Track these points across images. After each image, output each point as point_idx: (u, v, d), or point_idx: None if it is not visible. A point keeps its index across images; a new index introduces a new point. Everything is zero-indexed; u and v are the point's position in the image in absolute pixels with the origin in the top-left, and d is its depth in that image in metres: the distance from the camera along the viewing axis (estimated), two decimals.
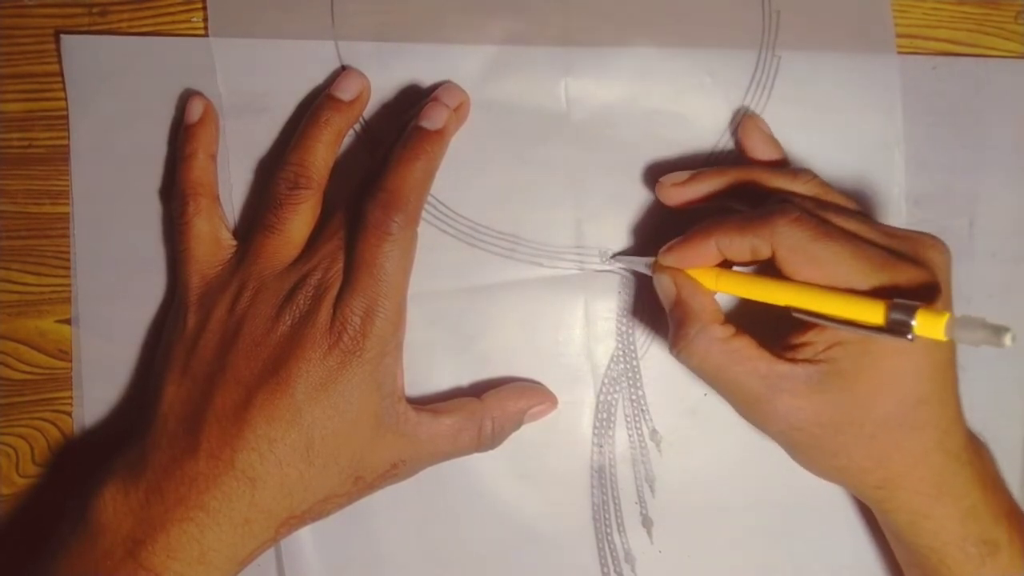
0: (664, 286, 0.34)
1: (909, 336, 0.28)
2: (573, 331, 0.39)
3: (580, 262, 0.38)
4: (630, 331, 0.39)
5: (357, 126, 0.37)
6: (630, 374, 0.39)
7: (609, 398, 0.39)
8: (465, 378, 0.38)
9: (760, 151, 0.37)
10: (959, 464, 0.32)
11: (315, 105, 0.36)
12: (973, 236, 0.40)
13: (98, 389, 0.37)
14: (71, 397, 0.37)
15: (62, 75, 0.37)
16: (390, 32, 0.38)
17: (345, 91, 0.36)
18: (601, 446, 0.39)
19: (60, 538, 0.32)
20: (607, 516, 0.39)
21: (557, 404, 0.38)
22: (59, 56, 0.37)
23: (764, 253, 0.32)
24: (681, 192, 0.36)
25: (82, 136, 0.37)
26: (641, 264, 0.36)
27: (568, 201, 0.38)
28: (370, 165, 0.36)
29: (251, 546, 0.32)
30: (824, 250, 0.30)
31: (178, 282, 0.36)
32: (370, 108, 0.37)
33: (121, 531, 0.31)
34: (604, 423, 0.39)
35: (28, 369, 0.37)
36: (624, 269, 0.38)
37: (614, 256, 0.38)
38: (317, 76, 0.37)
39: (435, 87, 0.37)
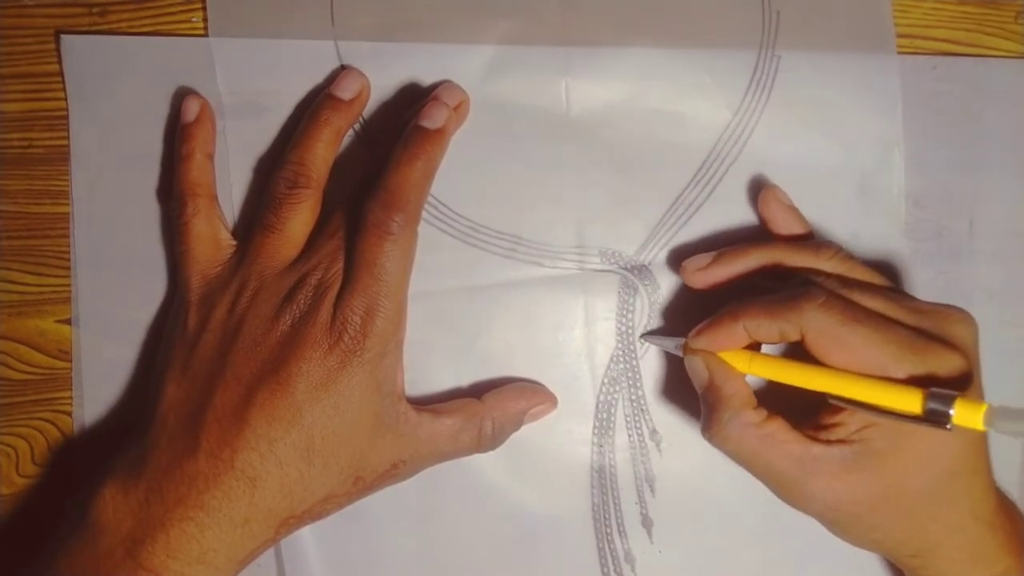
0: (696, 369, 0.34)
1: (948, 426, 0.29)
2: (573, 331, 0.39)
3: (580, 262, 0.38)
4: (630, 331, 0.39)
5: (356, 125, 0.37)
6: (630, 374, 0.39)
7: (609, 398, 0.39)
8: (465, 378, 0.38)
9: (781, 225, 0.37)
10: (992, 531, 0.33)
11: (315, 104, 0.36)
12: (973, 236, 0.40)
13: (98, 389, 0.37)
14: (71, 397, 0.37)
15: (62, 75, 0.37)
16: (390, 32, 0.38)
17: (345, 90, 0.36)
18: (601, 446, 0.39)
19: (60, 538, 0.32)
20: (607, 516, 0.39)
21: (557, 404, 0.38)
22: (59, 56, 0.37)
23: (793, 336, 0.32)
24: (704, 276, 0.36)
25: (82, 136, 0.37)
26: (671, 345, 0.36)
27: (568, 201, 0.38)
28: (370, 164, 0.36)
29: (251, 546, 0.32)
30: (853, 335, 0.31)
31: (179, 282, 0.36)
32: (370, 107, 0.37)
33: (121, 531, 0.31)
34: (604, 423, 0.39)
35: (28, 369, 0.37)
36: (622, 268, 0.38)
37: (643, 336, 0.38)
38: (317, 76, 0.37)
39: (435, 87, 0.37)
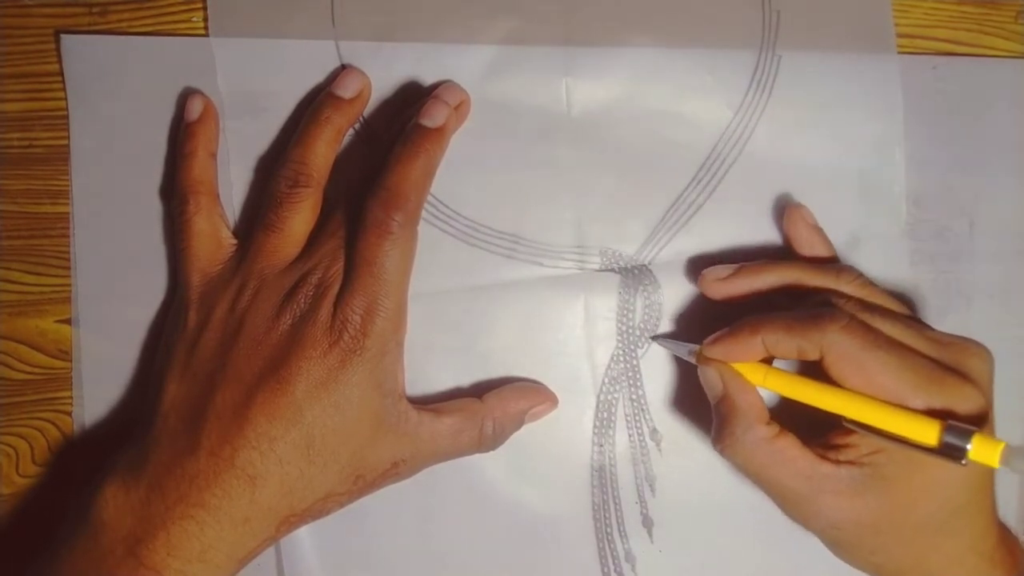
0: (711, 380, 0.34)
1: (963, 461, 0.29)
2: (573, 331, 0.39)
3: (580, 262, 0.38)
4: (630, 331, 0.39)
5: (357, 125, 0.37)
6: (630, 374, 0.39)
7: (609, 398, 0.39)
8: (465, 378, 0.38)
9: (805, 245, 0.37)
10: (991, 564, 0.33)
11: (316, 103, 0.36)
12: (973, 236, 0.40)
13: (98, 389, 0.37)
14: (71, 397, 0.37)
15: (62, 75, 0.37)
16: (390, 32, 0.38)
17: (346, 89, 0.36)
18: (601, 446, 0.39)
19: (61, 536, 0.32)
20: (607, 516, 0.39)
21: (557, 404, 0.38)
22: (59, 56, 0.37)
23: (811, 355, 0.32)
24: (724, 288, 0.36)
25: (82, 136, 0.37)
26: (683, 351, 0.36)
27: (568, 201, 0.38)
28: (370, 163, 0.36)
29: (251, 544, 0.32)
30: (874, 360, 0.31)
31: (179, 281, 0.36)
32: (370, 107, 0.37)
33: (122, 529, 0.31)
34: (604, 423, 0.39)
35: (28, 369, 0.37)
36: (622, 268, 0.38)
37: (655, 338, 0.38)
38: (317, 76, 0.37)
39: (435, 86, 0.37)
